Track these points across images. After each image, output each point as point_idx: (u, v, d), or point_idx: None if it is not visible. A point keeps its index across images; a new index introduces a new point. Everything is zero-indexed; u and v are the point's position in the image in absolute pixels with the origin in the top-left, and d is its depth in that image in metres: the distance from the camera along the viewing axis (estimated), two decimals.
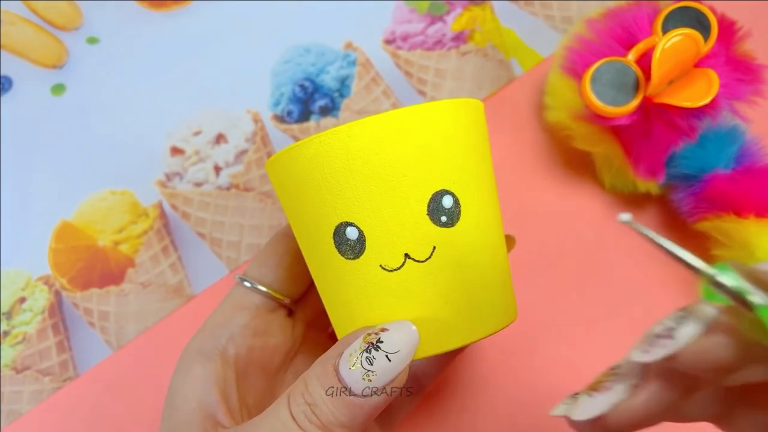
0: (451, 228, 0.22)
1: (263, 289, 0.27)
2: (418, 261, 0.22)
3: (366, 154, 0.21)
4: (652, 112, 0.31)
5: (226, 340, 0.26)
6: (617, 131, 0.32)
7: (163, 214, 0.38)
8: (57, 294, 0.37)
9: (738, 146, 0.32)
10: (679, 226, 0.35)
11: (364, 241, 0.22)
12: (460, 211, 0.22)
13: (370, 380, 0.20)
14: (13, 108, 0.41)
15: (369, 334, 0.21)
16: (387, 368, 0.20)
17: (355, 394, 0.20)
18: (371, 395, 0.20)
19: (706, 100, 0.29)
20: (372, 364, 0.20)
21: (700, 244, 0.34)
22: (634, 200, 0.36)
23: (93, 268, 0.37)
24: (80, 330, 0.37)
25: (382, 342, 0.20)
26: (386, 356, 0.20)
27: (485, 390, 0.34)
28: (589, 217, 0.36)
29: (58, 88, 0.41)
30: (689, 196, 0.32)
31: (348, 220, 0.22)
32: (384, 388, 0.20)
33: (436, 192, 0.22)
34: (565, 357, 0.34)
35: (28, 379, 0.36)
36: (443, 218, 0.22)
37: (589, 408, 0.17)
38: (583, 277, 0.35)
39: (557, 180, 0.37)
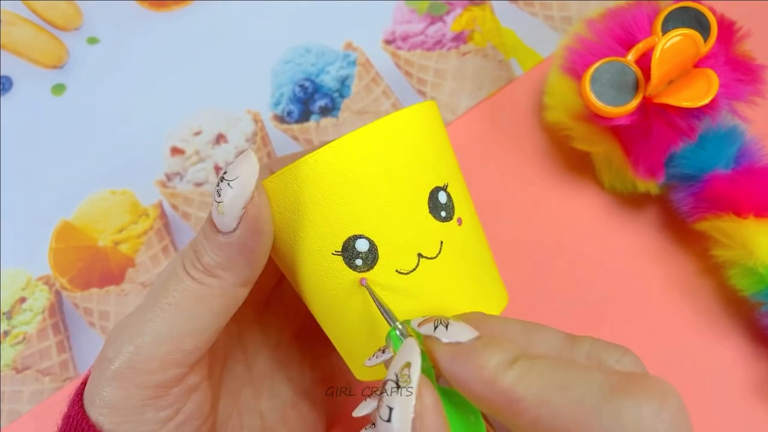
0: (451, 221, 0.23)
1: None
2: (430, 258, 0.22)
3: (365, 166, 0.21)
4: (651, 112, 0.31)
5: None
6: (617, 131, 0.32)
7: (163, 214, 0.38)
8: (57, 294, 0.37)
9: (737, 146, 0.32)
10: (678, 226, 0.35)
11: (376, 250, 0.22)
12: (453, 205, 0.23)
13: (223, 212, 0.21)
14: (13, 108, 0.41)
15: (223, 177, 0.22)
16: (231, 196, 0.21)
17: (221, 232, 0.21)
18: (234, 231, 0.21)
19: (706, 100, 0.29)
20: (220, 196, 0.21)
21: (700, 244, 0.34)
22: (633, 200, 0.36)
23: (93, 268, 0.37)
24: (80, 330, 0.37)
25: (226, 173, 0.21)
26: (228, 184, 0.21)
27: None
28: (588, 217, 0.36)
29: (58, 88, 0.41)
30: (689, 196, 0.32)
31: (356, 233, 0.22)
32: (239, 220, 0.21)
33: (432, 189, 0.23)
34: None
35: (28, 378, 0.36)
36: (443, 213, 0.23)
37: (362, 409, 0.21)
38: (582, 277, 0.35)
39: (557, 180, 0.37)
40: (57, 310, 0.37)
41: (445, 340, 0.19)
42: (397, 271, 0.22)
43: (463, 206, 0.24)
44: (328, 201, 0.22)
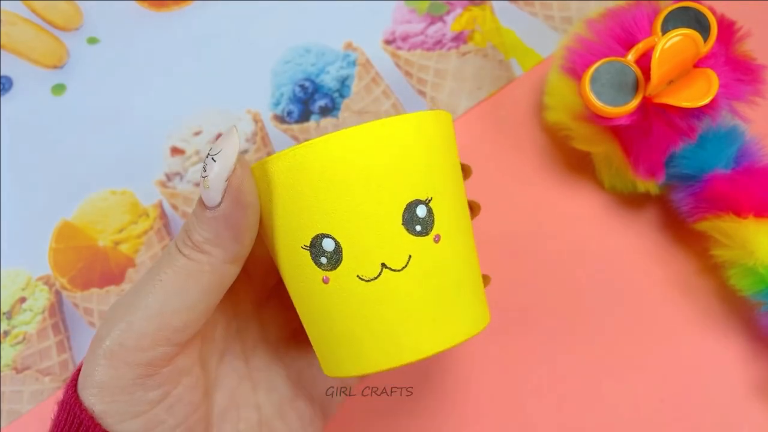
0: (426, 237, 0.22)
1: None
2: (394, 270, 0.22)
3: (342, 167, 0.22)
4: (651, 112, 0.31)
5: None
6: (617, 131, 0.32)
7: (163, 214, 0.38)
8: (57, 294, 0.37)
9: (737, 146, 0.32)
10: (678, 226, 0.35)
11: (341, 252, 0.22)
12: (433, 220, 0.23)
13: (208, 187, 0.22)
14: (13, 108, 0.41)
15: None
16: (216, 170, 0.22)
17: (208, 208, 0.22)
18: (219, 205, 0.22)
19: (706, 100, 0.29)
20: (206, 171, 0.22)
21: (700, 244, 0.34)
22: (633, 200, 0.36)
23: (93, 268, 0.37)
24: (80, 330, 0.37)
25: (211, 149, 0.22)
26: (212, 159, 0.22)
27: (476, 395, 0.34)
28: (588, 217, 0.36)
29: (58, 88, 0.41)
30: (689, 196, 0.33)
31: (324, 232, 0.22)
32: (224, 193, 0.22)
33: (410, 202, 0.22)
34: (564, 356, 0.34)
35: (28, 378, 0.36)
36: (417, 227, 0.22)
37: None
38: (582, 277, 0.35)
39: (557, 180, 0.37)
40: (57, 310, 0.37)
41: None
42: (358, 276, 0.22)
43: (447, 223, 0.23)
44: (302, 195, 0.22)
